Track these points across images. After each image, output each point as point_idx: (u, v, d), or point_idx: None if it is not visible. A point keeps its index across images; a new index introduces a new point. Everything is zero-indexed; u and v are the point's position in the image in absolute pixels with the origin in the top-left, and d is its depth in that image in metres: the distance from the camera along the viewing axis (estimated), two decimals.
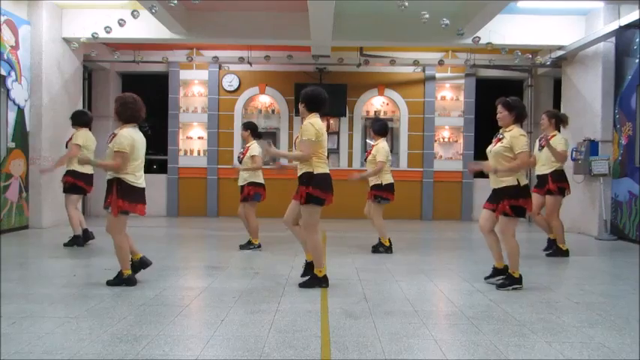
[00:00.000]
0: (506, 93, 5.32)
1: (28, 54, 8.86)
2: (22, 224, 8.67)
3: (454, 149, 11.72)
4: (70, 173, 6.91)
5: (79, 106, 9.84)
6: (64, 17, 9.53)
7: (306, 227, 4.86)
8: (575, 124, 9.27)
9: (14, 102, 8.47)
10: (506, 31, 9.25)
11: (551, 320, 3.93)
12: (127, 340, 3.32)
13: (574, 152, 9.00)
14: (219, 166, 11.42)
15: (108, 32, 8.66)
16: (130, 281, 4.79)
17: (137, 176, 4.77)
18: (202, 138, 11.68)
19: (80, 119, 7.03)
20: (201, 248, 7.82)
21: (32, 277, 5.35)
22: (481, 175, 9.86)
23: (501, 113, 4.92)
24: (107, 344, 3.24)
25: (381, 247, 6.85)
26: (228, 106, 11.56)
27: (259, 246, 6.94)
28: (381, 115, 11.44)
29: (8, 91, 8.32)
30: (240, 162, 6.86)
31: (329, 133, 10.52)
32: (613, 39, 8.73)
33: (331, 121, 11.47)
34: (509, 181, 4.79)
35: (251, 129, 6.90)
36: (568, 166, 9.03)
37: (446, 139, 11.78)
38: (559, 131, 6.80)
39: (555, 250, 6.76)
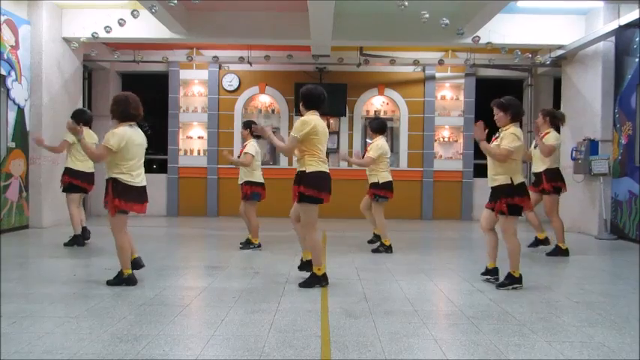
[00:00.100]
0: (506, 92, 5.34)
1: (28, 54, 8.86)
2: (22, 224, 8.67)
3: (454, 149, 11.72)
4: (66, 172, 6.92)
5: (79, 106, 9.82)
6: (64, 17, 9.53)
7: (304, 225, 4.93)
8: (575, 123, 9.29)
9: (14, 102, 8.47)
10: (506, 30, 9.25)
11: (551, 320, 3.93)
12: (127, 339, 3.32)
13: (574, 152, 9.01)
14: (219, 166, 11.41)
15: (108, 32, 8.67)
16: (130, 281, 4.79)
17: (133, 175, 4.74)
18: (202, 138, 11.68)
19: (80, 117, 7.04)
20: (201, 248, 7.82)
21: (32, 276, 5.36)
22: (481, 174, 9.86)
23: (497, 115, 4.95)
24: (107, 344, 3.24)
25: (382, 247, 6.87)
26: (228, 105, 11.56)
27: (259, 245, 6.95)
28: (381, 115, 11.43)
29: (8, 90, 8.32)
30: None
31: (329, 133, 10.49)
32: (613, 38, 8.72)
33: (331, 121, 11.46)
34: (502, 179, 4.82)
35: (250, 128, 6.92)
36: (568, 166, 9.07)
37: (446, 139, 11.78)
38: (557, 130, 6.79)
39: (555, 249, 6.77)
